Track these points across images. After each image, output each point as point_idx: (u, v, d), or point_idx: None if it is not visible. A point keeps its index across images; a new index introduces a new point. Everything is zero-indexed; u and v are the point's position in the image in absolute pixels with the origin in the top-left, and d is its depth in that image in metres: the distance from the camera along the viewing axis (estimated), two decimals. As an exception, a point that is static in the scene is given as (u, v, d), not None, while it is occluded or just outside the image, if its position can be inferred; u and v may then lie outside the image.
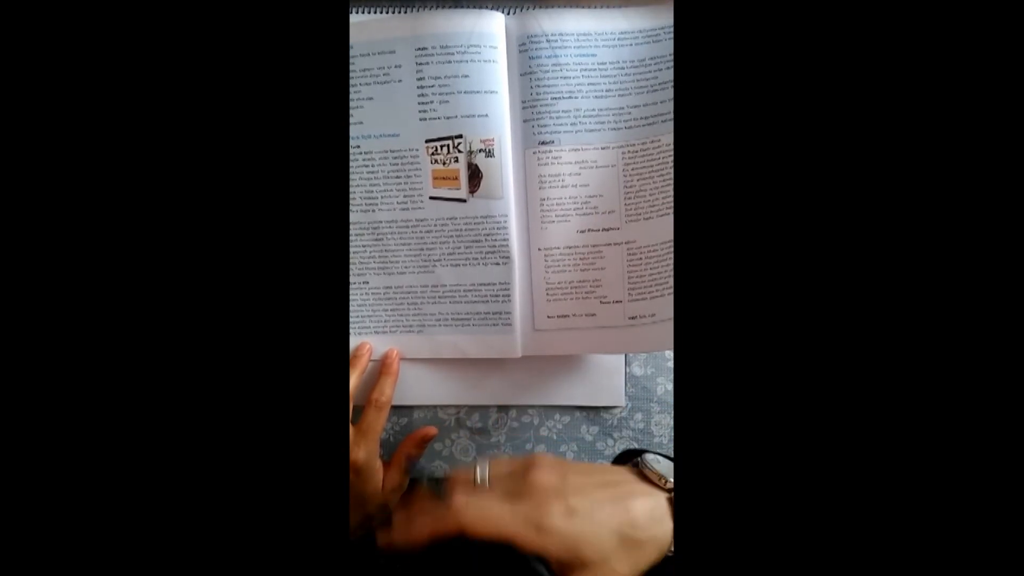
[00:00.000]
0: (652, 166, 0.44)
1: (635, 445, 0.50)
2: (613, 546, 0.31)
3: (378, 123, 0.45)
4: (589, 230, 0.46)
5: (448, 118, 0.44)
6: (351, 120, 0.45)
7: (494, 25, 0.43)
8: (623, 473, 0.35)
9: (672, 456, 0.36)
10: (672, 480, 0.33)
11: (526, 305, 0.47)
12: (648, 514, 0.32)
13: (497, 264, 0.46)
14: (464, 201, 0.45)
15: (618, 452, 0.50)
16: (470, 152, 0.44)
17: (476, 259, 0.46)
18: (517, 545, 0.30)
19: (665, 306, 0.45)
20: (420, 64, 0.44)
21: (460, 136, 0.44)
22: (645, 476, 0.34)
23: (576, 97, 0.44)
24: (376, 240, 0.47)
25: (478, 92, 0.44)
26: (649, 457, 0.35)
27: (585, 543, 0.30)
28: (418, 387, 0.49)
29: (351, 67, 0.44)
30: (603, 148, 0.45)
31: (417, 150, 0.45)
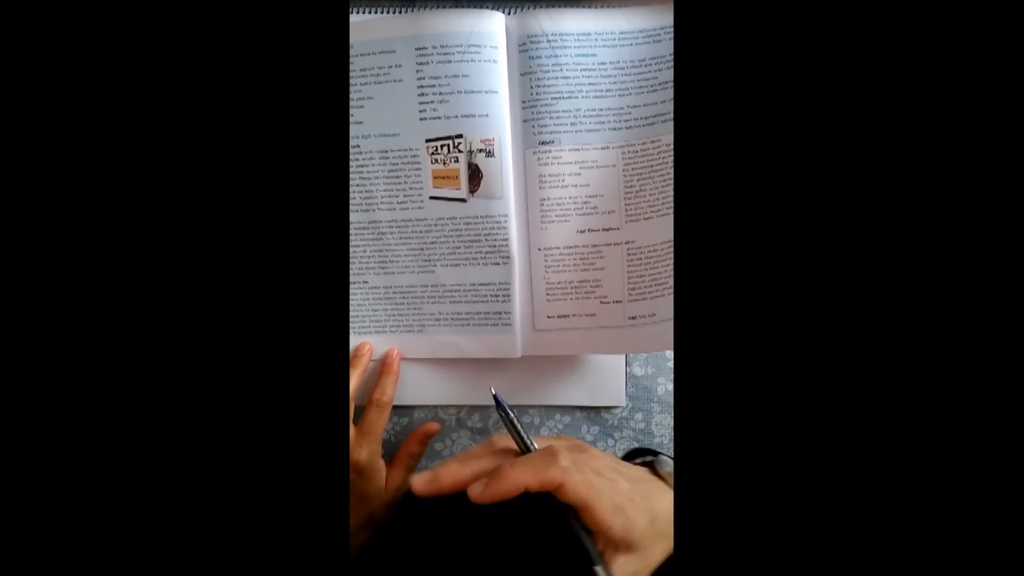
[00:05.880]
0: (652, 166, 0.44)
1: (636, 445, 0.50)
2: (650, 534, 0.33)
3: (378, 123, 0.45)
4: (589, 230, 0.46)
5: (448, 118, 0.44)
6: (351, 120, 0.45)
7: (494, 25, 0.43)
8: (643, 471, 0.37)
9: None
10: None
11: (526, 305, 0.47)
12: (670, 509, 0.34)
13: (497, 264, 0.46)
14: (464, 201, 0.45)
15: (618, 452, 0.50)
16: (470, 152, 0.44)
17: (476, 259, 0.46)
18: (589, 515, 0.31)
19: (665, 306, 0.45)
20: (420, 64, 0.44)
21: (460, 136, 0.44)
22: (660, 476, 0.36)
23: (576, 97, 0.44)
24: (376, 240, 0.47)
25: (478, 92, 0.44)
26: (662, 459, 0.37)
27: (634, 527, 0.32)
28: (418, 387, 0.49)
29: (351, 67, 0.44)
30: (603, 148, 0.44)
31: (417, 150, 0.45)
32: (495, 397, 0.38)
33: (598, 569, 0.32)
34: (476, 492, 0.32)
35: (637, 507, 0.32)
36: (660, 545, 0.33)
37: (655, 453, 0.40)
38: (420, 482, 0.34)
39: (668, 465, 0.37)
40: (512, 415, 0.37)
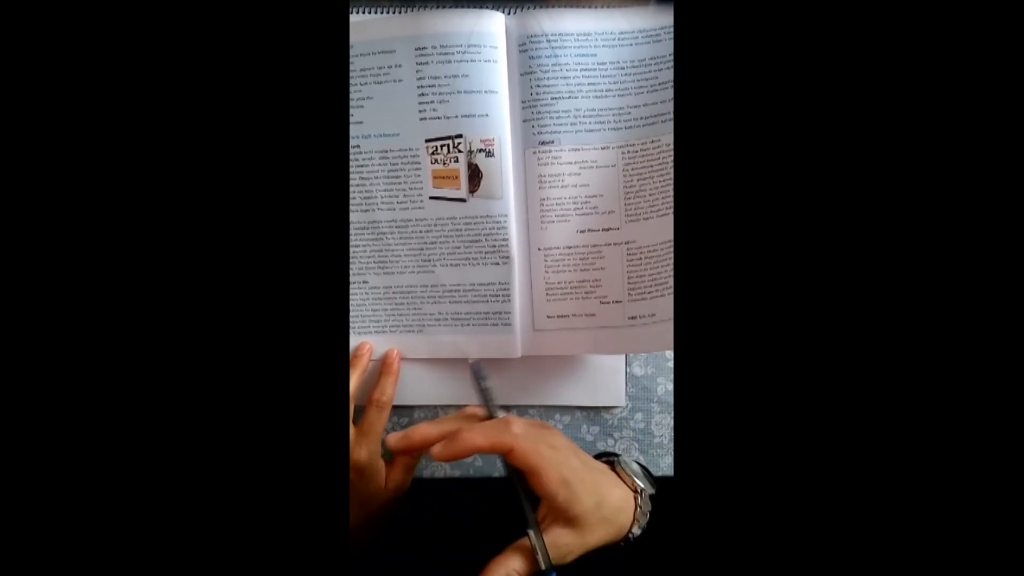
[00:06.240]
0: (652, 166, 0.44)
1: (635, 445, 0.50)
2: (594, 514, 0.35)
3: (378, 123, 0.45)
4: (589, 230, 0.46)
5: (448, 118, 0.44)
6: (351, 120, 0.45)
7: (494, 25, 0.43)
8: (604, 465, 0.40)
9: (641, 463, 0.41)
10: (640, 483, 0.38)
11: (526, 305, 0.47)
12: (619, 501, 0.36)
13: (497, 264, 0.46)
14: (464, 201, 0.45)
15: (616, 452, 0.50)
16: (470, 152, 0.44)
17: (476, 259, 0.46)
18: (536, 480, 0.34)
19: (665, 306, 0.45)
20: (420, 64, 0.44)
21: (460, 136, 0.44)
22: (618, 473, 0.39)
23: (576, 97, 0.44)
24: (376, 240, 0.47)
25: (478, 92, 0.44)
26: (624, 459, 0.40)
27: (578, 502, 0.34)
28: (418, 387, 0.49)
29: (351, 67, 0.44)
30: (603, 148, 0.45)
31: (417, 150, 0.45)
32: (472, 366, 0.41)
33: (530, 532, 0.34)
34: (436, 450, 0.36)
35: (585, 486, 0.35)
36: (602, 529, 0.35)
37: (614, 455, 0.42)
38: (394, 439, 0.39)
39: (628, 466, 0.39)
40: (484, 385, 0.40)
